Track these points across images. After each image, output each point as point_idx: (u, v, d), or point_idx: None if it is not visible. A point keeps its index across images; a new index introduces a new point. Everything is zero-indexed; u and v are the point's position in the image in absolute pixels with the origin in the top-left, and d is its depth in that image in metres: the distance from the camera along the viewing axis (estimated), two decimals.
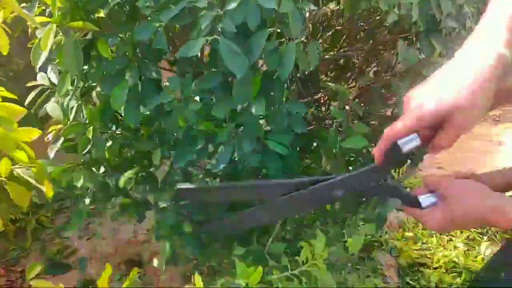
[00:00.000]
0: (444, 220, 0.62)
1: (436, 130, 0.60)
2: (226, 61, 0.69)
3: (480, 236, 2.24)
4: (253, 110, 0.77)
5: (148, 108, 0.78)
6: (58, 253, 1.89)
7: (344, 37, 1.05)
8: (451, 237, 2.21)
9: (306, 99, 1.26)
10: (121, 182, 1.04)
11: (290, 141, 0.81)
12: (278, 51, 0.71)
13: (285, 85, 1.36)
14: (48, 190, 0.86)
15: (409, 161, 1.12)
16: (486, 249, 2.12)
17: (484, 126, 3.70)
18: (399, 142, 0.60)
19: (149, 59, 0.82)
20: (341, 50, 1.05)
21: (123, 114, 0.79)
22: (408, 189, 0.69)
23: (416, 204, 0.64)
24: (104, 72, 0.78)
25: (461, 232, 2.24)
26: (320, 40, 1.26)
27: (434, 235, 2.22)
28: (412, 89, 0.62)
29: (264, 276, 1.09)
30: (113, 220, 2.01)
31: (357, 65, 1.11)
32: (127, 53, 0.78)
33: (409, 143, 0.60)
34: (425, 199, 0.64)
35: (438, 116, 0.58)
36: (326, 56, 1.19)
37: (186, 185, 0.81)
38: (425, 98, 0.59)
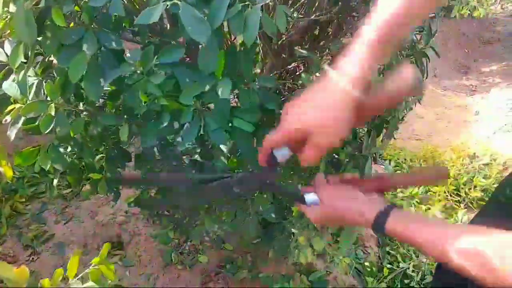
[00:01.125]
0: (321, 218, 0.74)
1: (304, 145, 0.66)
2: (187, 27, 0.65)
3: (457, 204, 2.28)
4: (220, 92, 0.74)
5: (108, 81, 0.74)
6: (35, 239, 1.85)
7: (317, 4, 1.01)
8: (429, 206, 2.25)
9: (279, 71, 1.23)
10: (88, 160, 1.01)
11: (258, 118, 0.78)
12: (242, 15, 0.67)
13: (254, 57, 1.34)
14: (7, 172, 0.81)
15: (384, 131, 1.12)
16: (463, 216, 2.16)
17: (461, 97, 3.74)
18: (274, 152, 0.70)
19: (108, 28, 0.78)
20: (313, 18, 1.02)
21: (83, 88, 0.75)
22: (299, 187, 0.87)
23: (302, 201, 0.75)
24: (61, 43, 0.74)
25: (439, 201, 2.28)
26: (292, 9, 1.23)
27: (412, 204, 2.26)
28: (290, 102, 0.67)
29: None
30: (85, 199, 1.97)
31: (330, 32, 1.08)
32: (83, 22, 0.73)
33: (282, 154, 0.70)
34: (310, 198, 0.75)
35: (301, 133, 0.65)
36: (301, 23, 1.16)
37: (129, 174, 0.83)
38: (294, 115, 0.66)
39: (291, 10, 1.23)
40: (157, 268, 1.77)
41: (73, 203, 2.04)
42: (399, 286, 1.80)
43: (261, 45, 1.33)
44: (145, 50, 0.72)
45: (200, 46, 0.74)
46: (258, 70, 1.39)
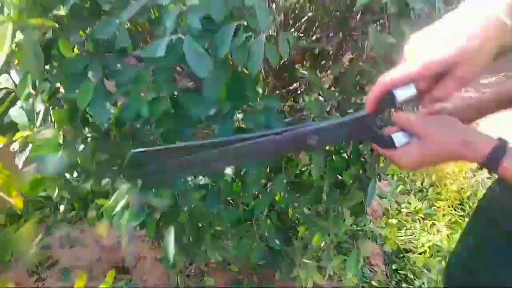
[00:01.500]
0: (418, 157, 0.62)
1: (436, 81, 0.58)
2: (190, 62, 0.67)
3: (462, 218, 2.27)
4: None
5: (115, 105, 0.76)
6: (40, 265, 1.84)
7: (317, 24, 1.04)
8: (433, 221, 2.24)
9: (281, 91, 1.25)
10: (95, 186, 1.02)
11: None
12: (246, 46, 0.69)
13: (257, 80, 1.36)
14: (18, 202, 0.82)
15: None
16: None
17: None
18: (395, 91, 0.58)
19: (113, 52, 0.79)
20: (314, 38, 1.04)
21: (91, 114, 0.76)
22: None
23: (390, 144, 0.63)
24: (67, 72, 0.75)
25: (443, 216, 2.27)
26: (292, 29, 1.25)
27: (417, 220, 2.25)
28: (417, 34, 0.59)
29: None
30: (91, 226, 1.97)
31: (331, 52, 1.10)
32: (88, 50, 0.75)
33: (406, 93, 0.58)
34: (399, 139, 0.63)
35: (446, 64, 0.56)
36: (300, 45, 1.19)
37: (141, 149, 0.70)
38: (431, 46, 0.56)
39: (291, 30, 1.26)
40: None
41: (78, 227, 2.04)
42: None
43: (263, 65, 1.35)
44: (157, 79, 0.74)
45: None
46: (260, 90, 1.41)
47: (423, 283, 1.82)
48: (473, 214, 1.17)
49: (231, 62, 0.76)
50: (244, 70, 0.76)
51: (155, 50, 0.67)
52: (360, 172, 1.08)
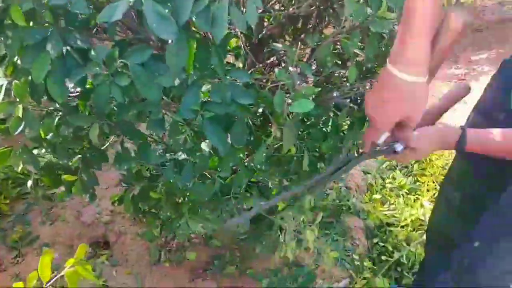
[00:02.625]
0: (413, 158, 0.93)
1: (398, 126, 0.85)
2: (152, 24, 0.63)
3: None
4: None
5: (73, 81, 0.72)
6: (20, 240, 1.83)
7: None
8: (417, 196, 2.25)
9: (258, 66, 1.21)
10: (62, 161, 0.99)
11: (231, 112, 0.76)
12: (209, 10, 0.65)
13: (234, 53, 1.31)
14: None
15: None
16: None
17: (450, 86, 3.74)
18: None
19: (74, 26, 0.75)
20: (291, 10, 1.00)
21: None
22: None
23: (392, 151, 0.89)
24: (22, 43, 0.71)
25: (427, 191, 2.28)
26: (272, 2, 1.20)
27: (401, 195, 2.25)
28: (372, 103, 0.81)
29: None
30: (61, 200, 1.95)
31: (310, 25, 1.06)
32: (46, 20, 0.71)
33: (382, 138, 0.87)
34: (398, 147, 0.89)
35: (400, 121, 0.83)
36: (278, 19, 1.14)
37: None
38: (389, 112, 0.80)
39: (271, 3, 1.21)
40: (145, 267, 1.75)
41: (59, 204, 2.01)
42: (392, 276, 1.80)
43: (242, 39, 1.30)
44: (109, 50, 0.70)
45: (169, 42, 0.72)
46: (241, 65, 1.37)
47: (402, 256, 1.84)
48: (443, 182, 1.37)
49: (198, 31, 0.73)
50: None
51: (112, 14, 0.63)
52: (339, 144, 1.06)
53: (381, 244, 1.93)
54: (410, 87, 0.75)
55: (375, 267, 1.81)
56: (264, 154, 0.91)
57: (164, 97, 0.77)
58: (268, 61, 1.14)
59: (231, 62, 1.52)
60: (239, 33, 1.31)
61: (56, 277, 0.96)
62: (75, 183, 1.07)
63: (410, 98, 0.77)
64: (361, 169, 2.34)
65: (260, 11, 1.17)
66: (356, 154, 1.01)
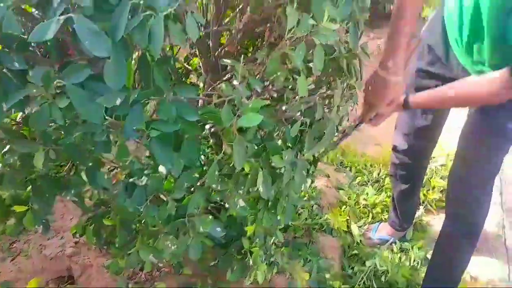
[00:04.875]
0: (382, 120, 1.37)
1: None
2: (85, 41, 0.61)
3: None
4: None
5: (9, 104, 0.68)
6: None
7: (238, 10, 0.99)
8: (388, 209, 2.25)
9: (216, 84, 1.20)
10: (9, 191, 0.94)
11: (178, 130, 0.74)
12: (145, 25, 0.64)
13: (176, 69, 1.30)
14: None
15: None
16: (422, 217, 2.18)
17: None
18: None
19: (11, 47, 0.72)
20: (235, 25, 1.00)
21: None
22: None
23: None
24: None
25: None
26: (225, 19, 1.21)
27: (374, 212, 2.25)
28: (367, 90, 1.25)
29: None
30: (12, 236, 1.86)
31: (259, 39, 1.06)
32: None
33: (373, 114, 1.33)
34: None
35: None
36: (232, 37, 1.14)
37: None
38: (369, 102, 1.28)
39: (226, 20, 1.22)
40: None
41: (22, 238, 1.92)
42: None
43: (200, 58, 1.30)
44: (45, 71, 0.67)
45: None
46: (201, 84, 1.36)
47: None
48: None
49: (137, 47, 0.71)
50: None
51: (44, 33, 0.61)
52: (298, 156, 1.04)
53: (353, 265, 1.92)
54: (393, 84, 1.15)
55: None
56: (216, 173, 0.88)
57: (107, 118, 0.74)
58: (224, 78, 1.13)
59: (194, 81, 1.52)
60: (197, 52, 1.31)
61: None
62: (27, 214, 1.02)
63: (393, 90, 1.17)
64: (332, 186, 2.34)
65: (215, 28, 1.18)
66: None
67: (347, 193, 2.36)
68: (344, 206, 2.23)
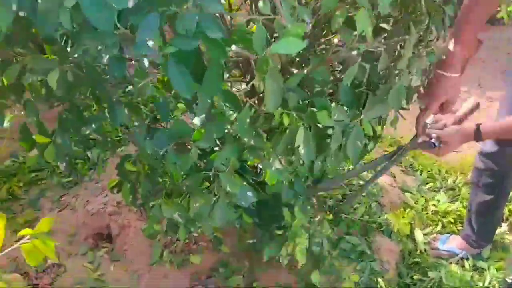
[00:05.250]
0: (448, 150, 1.28)
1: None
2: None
3: None
4: None
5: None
6: (26, 224, 1.76)
7: None
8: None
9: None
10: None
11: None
12: None
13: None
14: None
15: None
16: None
17: None
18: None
19: None
20: None
21: None
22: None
23: (432, 146, 1.27)
24: None
25: None
26: None
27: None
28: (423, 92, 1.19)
29: None
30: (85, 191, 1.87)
31: None
32: None
33: (430, 119, 1.29)
34: (435, 141, 1.26)
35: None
36: None
37: None
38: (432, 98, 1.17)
39: None
40: (145, 265, 1.61)
41: (72, 192, 1.94)
42: None
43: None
44: None
45: None
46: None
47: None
48: None
49: None
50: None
51: None
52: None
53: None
54: (452, 80, 1.12)
55: None
56: (247, 120, 0.74)
57: (120, 27, 0.63)
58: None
59: None
60: None
61: (13, 247, 0.84)
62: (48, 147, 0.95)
63: (448, 88, 1.13)
64: (398, 187, 2.08)
65: None
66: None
67: (414, 196, 2.10)
68: (409, 209, 1.96)
